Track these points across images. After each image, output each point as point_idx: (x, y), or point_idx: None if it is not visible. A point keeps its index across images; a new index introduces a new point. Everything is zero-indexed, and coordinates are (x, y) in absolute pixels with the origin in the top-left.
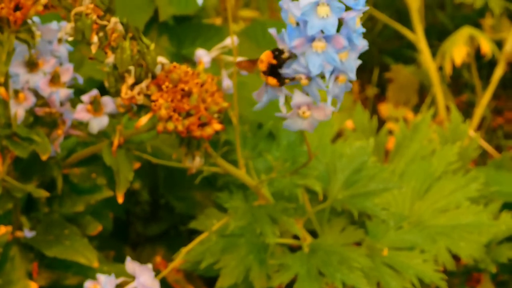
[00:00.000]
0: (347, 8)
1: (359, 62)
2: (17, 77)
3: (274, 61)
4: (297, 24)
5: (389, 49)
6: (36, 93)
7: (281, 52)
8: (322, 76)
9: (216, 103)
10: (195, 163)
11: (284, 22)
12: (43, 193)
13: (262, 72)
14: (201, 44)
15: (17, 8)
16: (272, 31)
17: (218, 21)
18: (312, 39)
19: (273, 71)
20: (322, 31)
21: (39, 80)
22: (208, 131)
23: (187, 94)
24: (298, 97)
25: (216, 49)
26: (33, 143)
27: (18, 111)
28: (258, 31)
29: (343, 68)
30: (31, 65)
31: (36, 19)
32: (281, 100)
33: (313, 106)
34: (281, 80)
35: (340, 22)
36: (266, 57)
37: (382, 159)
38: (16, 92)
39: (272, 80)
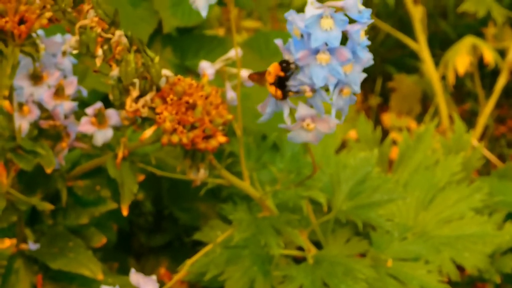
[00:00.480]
0: (352, 21)
1: (364, 75)
2: (21, 90)
3: (282, 74)
4: (302, 36)
5: (391, 58)
6: (40, 106)
7: (288, 64)
8: (326, 89)
9: (220, 115)
10: (200, 175)
11: (288, 33)
12: (47, 206)
13: (269, 84)
14: (204, 55)
15: (21, 21)
16: (278, 42)
17: (220, 31)
18: (316, 52)
19: (280, 83)
20: (326, 44)
21: (43, 93)
22: (213, 143)
23: (192, 107)
24: (302, 110)
25: (220, 61)
26: (38, 156)
27: (23, 124)
28: (262, 42)
29: (347, 80)
30: (36, 78)
31: (40, 32)
32: (286, 112)
33: (318, 118)
34: (285, 92)
35: (345, 35)
36: (274, 69)
37: (386, 169)
38: (21, 105)
39: (278, 92)
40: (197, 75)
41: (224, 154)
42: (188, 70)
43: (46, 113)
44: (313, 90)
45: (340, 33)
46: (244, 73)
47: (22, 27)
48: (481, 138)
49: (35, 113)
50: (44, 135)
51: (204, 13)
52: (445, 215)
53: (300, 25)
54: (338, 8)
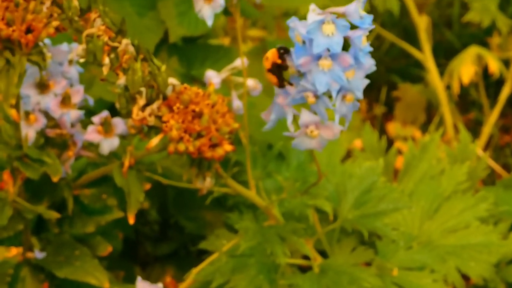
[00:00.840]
0: (354, 27)
1: (367, 81)
2: (28, 99)
3: (279, 61)
4: (304, 42)
5: (396, 67)
6: (46, 114)
7: (286, 50)
8: (329, 95)
9: (227, 124)
10: (206, 184)
11: (293, 41)
12: (53, 215)
13: (266, 70)
14: (210, 65)
15: (28, 30)
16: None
17: (226, 40)
18: (318, 58)
19: (277, 70)
20: (328, 50)
21: (50, 102)
22: (219, 152)
23: (198, 115)
24: (305, 116)
25: (226, 70)
26: (44, 165)
27: (29, 132)
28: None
29: (350, 87)
30: (42, 87)
31: (46, 40)
32: (289, 119)
33: (321, 125)
34: (281, 81)
35: (347, 41)
36: (271, 55)
37: (391, 178)
38: (27, 114)
39: (273, 79)
40: (203, 84)
41: (230, 163)
42: (194, 79)
43: (53, 122)
44: (316, 96)
45: (342, 38)
46: (250, 82)
47: (29, 36)
48: (486, 147)
49: (42, 121)
50: (50, 143)
51: (210, 22)
52: (450, 224)
53: (302, 31)
54: (340, 14)
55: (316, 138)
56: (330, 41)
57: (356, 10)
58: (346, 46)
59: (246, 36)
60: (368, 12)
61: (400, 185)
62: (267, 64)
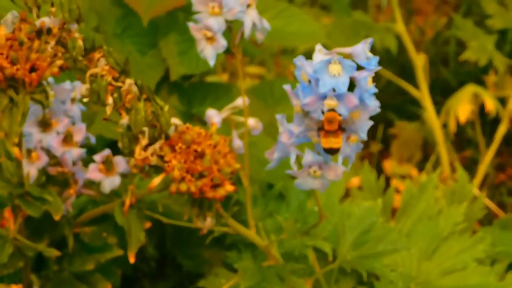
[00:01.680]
0: (359, 68)
1: (371, 122)
2: (30, 137)
3: (339, 117)
4: (310, 82)
5: (393, 105)
6: (48, 152)
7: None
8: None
9: (228, 164)
10: (207, 223)
11: (292, 79)
12: (54, 252)
13: (332, 131)
14: (210, 103)
15: (32, 69)
16: (287, 87)
17: (224, 76)
18: (324, 97)
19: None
20: (334, 89)
21: (52, 140)
22: (221, 192)
23: (200, 155)
24: (309, 156)
25: (226, 109)
26: (46, 203)
27: (31, 170)
28: (266, 90)
29: (354, 127)
30: (45, 125)
31: (49, 79)
32: (293, 158)
33: (324, 165)
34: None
35: (352, 82)
36: (333, 116)
37: (389, 217)
38: (29, 152)
39: (339, 139)
40: (203, 122)
41: (231, 202)
42: (195, 117)
43: (55, 160)
44: None
45: (348, 79)
46: (251, 121)
47: (33, 75)
48: (481, 185)
49: (44, 159)
50: (52, 181)
51: (212, 62)
52: (448, 265)
53: (309, 70)
54: (346, 55)
55: (319, 179)
56: (336, 81)
57: (363, 51)
58: (351, 86)
59: (245, 72)
60: None
61: (398, 225)
62: (333, 126)
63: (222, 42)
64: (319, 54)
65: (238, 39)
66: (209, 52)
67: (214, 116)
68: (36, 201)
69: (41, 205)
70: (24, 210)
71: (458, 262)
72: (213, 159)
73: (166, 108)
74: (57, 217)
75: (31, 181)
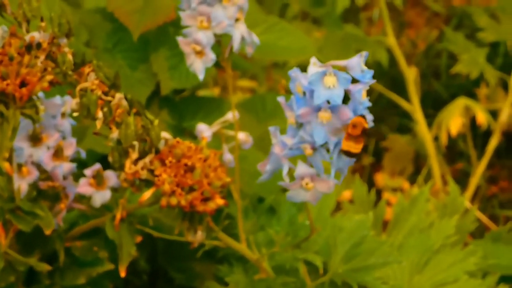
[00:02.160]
0: (354, 81)
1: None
2: (20, 151)
3: (366, 125)
4: (304, 94)
5: (384, 118)
6: (39, 167)
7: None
8: (327, 149)
9: (219, 178)
10: (198, 237)
11: (284, 93)
12: (45, 267)
13: (354, 136)
14: (202, 117)
15: (23, 84)
16: (281, 99)
17: (216, 90)
18: (318, 109)
19: (365, 136)
20: (328, 102)
21: (42, 154)
22: (211, 206)
23: (191, 169)
24: (301, 168)
25: (217, 123)
26: (37, 217)
27: (22, 185)
28: (258, 104)
29: None
30: (35, 140)
31: (40, 93)
32: (285, 170)
33: (317, 178)
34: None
35: (346, 94)
36: (359, 121)
37: (380, 230)
38: (20, 166)
39: (360, 145)
40: (194, 136)
41: (222, 216)
42: (185, 131)
43: (45, 174)
44: (314, 149)
45: (343, 91)
46: (242, 136)
47: (24, 90)
48: (473, 198)
49: (34, 174)
50: (42, 195)
51: (201, 76)
52: (439, 278)
53: (304, 82)
54: (341, 68)
55: (311, 191)
56: (331, 93)
57: (358, 64)
58: (345, 99)
59: (236, 86)
60: None
61: (390, 238)
62: (356, 131)
63: (211, 56)
64: (314, 67)
65: (228, 53)
66: (198, 66)
67: (204, 130)
68: (27, 215)
69: (32, 219)
70: (15, 225)
71: (450, 275)
72: (204, 173)
73: (156, 122)
74: (48, 232)
75: (22, 195)
